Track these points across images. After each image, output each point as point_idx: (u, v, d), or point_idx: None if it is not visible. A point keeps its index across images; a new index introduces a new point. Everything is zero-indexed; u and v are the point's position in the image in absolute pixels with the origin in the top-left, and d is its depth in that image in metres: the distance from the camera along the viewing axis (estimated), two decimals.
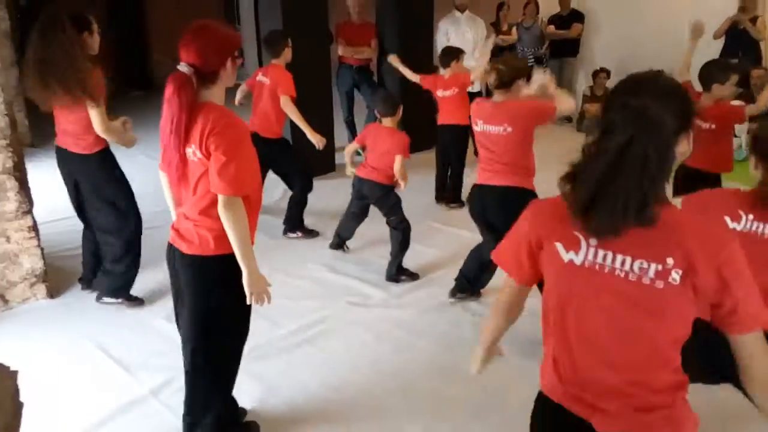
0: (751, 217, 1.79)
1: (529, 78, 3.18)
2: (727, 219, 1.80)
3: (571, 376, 1.37)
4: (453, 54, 5.13)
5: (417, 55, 6.68)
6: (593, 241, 1.28)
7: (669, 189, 1.29)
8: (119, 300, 3.58)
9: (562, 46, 8.16)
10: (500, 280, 3.58)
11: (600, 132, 1.25)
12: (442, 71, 5.25)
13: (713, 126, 3.57)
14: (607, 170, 1.19)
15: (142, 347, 3.21)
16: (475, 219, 3.34)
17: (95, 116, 3.14)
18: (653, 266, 1.23)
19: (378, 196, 3.84)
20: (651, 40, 7.65)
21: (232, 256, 2.09)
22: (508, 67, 3.09)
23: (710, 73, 3.61)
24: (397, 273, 3.90)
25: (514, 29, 8.03)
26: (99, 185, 3.41)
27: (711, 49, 6.89)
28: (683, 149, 1.28)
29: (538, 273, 1.43)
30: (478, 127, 3.18)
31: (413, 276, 3.94)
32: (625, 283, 1.26)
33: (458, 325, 3.39)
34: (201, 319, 2.19)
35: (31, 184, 3.69)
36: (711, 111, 3.55)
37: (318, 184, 5.88)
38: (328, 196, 5.54)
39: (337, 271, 4.06)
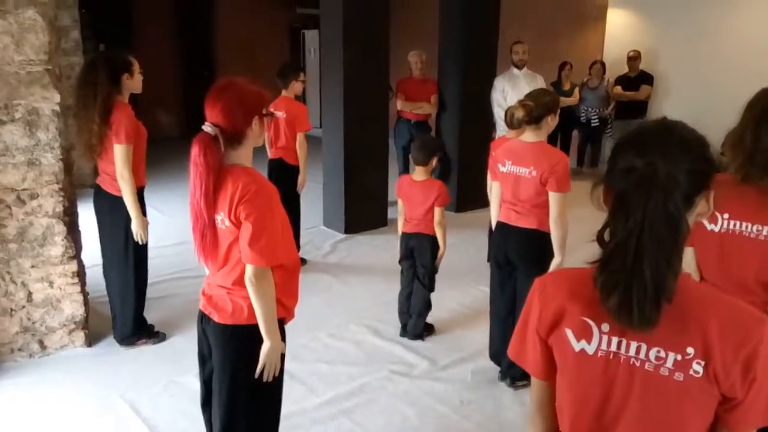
0: (726, 216, 1.79)
1: (557, 111, 3.04)
2: (705, 221, 1.75)
3: None
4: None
5: (477, 111, 6.57)
6: (605, 327, 1.13)
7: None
8: (143, 340, 3.59)
9: (629, 108, 7.88)
10: None
11: (610, 210, 1.10)
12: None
13: None
14: (630, 260, 1.04)
15: (171, 407, 3.07)
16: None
17: (117, 153, 3.24)
18: (671, 356, 1.08)
19: (427, 249, 3.66)
20: (724, 105, 7.29)
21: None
22: (537, 103, 2.96)
23: None
24: (422, 330, 3.79)
25: (576, 89, 7.84)
26: (119, 226, 3.43)
27: None
28: (702, 210, 1.11)
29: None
30: (505, 168, 3.07)
31: (431, 329, 3.87)
32: (643, 373, 1.11)
33: (508, 407, 3.10)
34: (236, 389, 2.06)
35: (85, 227, 3.70)
36: None
37: (368, 238, 5.78)
38: (380, 252, 5.37)
39: (380, 335, 3.85)
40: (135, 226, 3.34)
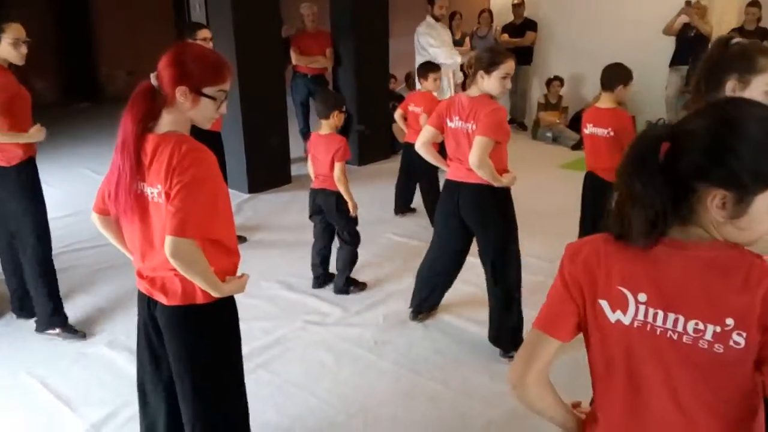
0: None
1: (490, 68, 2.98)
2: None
3: None
4: (432, 67, 5.06)
5: (373, 63, 6.62)
6: (642, 297, 1.12)
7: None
8: (56, 330, 3.35)
9: (516, 54, 8.14)
10: (453, 294, 3.51)
11: None
12: (418, 85, 5.20)
13: (612, 133, 3.45)
14: None
15: (83, 379, 3.00)
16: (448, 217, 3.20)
17: None
18: (710, 327, 1.06)
19: (332, 206, 3.67)
20: (602, 47, 7.74)
21: (222, 303, 1.88)
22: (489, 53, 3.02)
23: (615, 73, 3.55)
24: (346, 284, 3.81)
25: (467, 39, 8.03)
26: (16, 199, 3.19)
27: (662, 50, 7.03)
28: None
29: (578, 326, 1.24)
30: (453, 123, 3.08)
31: (362, 285, 3.86)
32: (681, 346, 1.08)
33: (419, 344, 3.28)
34: (200, 376, 1.92)
35: None
36: (609, 118, 3.48)
37: (273, 196, 5.76)
38: (284, 208, 5.39)
39: (293, 289, 3.90)
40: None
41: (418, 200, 5.13)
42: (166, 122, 1.78)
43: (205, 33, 4.35)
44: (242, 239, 4.64)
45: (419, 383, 2.93)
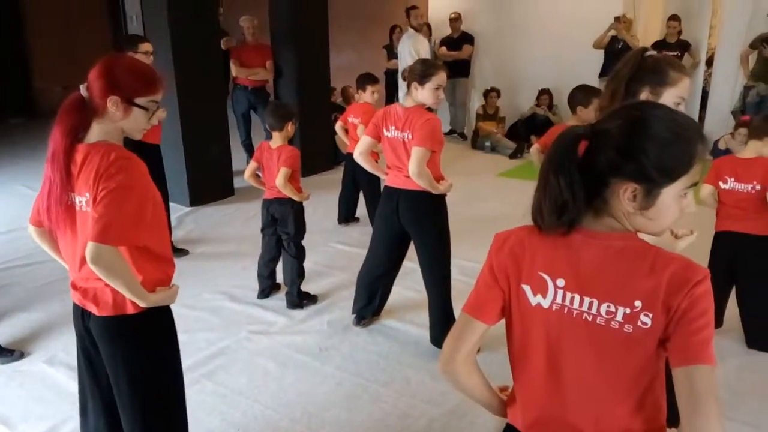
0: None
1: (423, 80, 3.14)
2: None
3: (537, 422, 1.30)
4: (370, 79, 5.16)
5: (314, 75, 6.70)
6: (560, 282, 1.21)
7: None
8: None
9: (454, 67, 8.39)
10: (395, 298, 3.59)
11: None
12: (356, 96, 5.31)
13: None
14: None
15: (20, 396, 2.94)
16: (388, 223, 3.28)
17: None
18: (621, 309, 1.16)
19: (287, 214, 3.69)
20: (536, 60, 8.07)
21: (156, 312, 1.89)
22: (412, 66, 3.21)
23: (574, 96, 3.76)
24: (299, 298, 3.81)
25: None
26: None
27: (592, 63, 7.37)
28: None
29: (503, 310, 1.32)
30: (389, 132, 3.18)
31: (314, 299, 3.88)
32: (595, 327, 1.18)
33: (362, 348, 3.35)
34: (136, 387, 1.90)
35: None
36: None
37: (215, 209, 5.74)
38: (227, 221, 5.39)
39: (237, 300, 3.92)
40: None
41: (362, 210, 5.22)
42: (96, 132, 1.79)
43: (146, 46, 4.29)
44: (184, 252, 4.62)
45: (362, 386, 3.00)
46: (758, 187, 3.17)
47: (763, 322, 3.29)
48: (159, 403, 1.98)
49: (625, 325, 1.15)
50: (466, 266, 4.15)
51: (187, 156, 5.65)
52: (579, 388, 1.23)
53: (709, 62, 8.00)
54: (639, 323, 1.14)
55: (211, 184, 5.90)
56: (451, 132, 8.55)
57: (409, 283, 3.74)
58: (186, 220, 5.45)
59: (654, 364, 1.19)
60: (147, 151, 4.25)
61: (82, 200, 1.78)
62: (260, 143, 3.84)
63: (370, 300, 3.51)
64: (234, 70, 6.57)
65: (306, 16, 6.57)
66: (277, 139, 3.68)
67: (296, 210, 3.72)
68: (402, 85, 6.78)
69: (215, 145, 5.86)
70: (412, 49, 6.90)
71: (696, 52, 7.46)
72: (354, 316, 3.58)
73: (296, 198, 3.68)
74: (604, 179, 1.17)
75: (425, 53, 7.03)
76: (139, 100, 1.80)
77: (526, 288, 1.25)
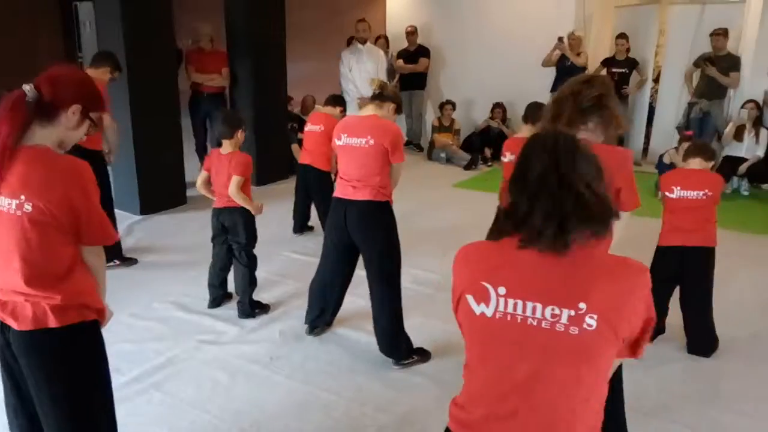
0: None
1: (399, 110, 3.31)
2: None
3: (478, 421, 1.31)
4: (341, 101, 5.29)
5: (271, 84, 6.68)
6: (501, 290, 1.24)
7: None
8: None
9: (411, 80, 8.52)
10: (348, 306, 3.60)
11: None
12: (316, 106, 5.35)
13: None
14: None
15: None
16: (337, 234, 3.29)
17: None
18: (565, 312, 1.18)
19: (237, 223, 3.64)
20: (490, 74, 8.23)
21: (79, 326, 1.83)
22: (391, 89, 3.33)
23: (528, 112, 4.00)
24: (251, 308, 3.76)
25: None
26: None
27: (543, 79, 7.55)
28: None
29: None
30: (341, 141, 3.19)
31: (266, 308, 3.84)
32: (539, 332, 1.20)
33: (314, 357, 3.33)
34: (59, 403, 1.85)
35: None
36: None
37: (167, 217, 5.64)
38: (178, 229, 5.30)
39: (187, 309, 3.84)
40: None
41: (316, 219, 5.21)
42: (39, 135, 1.77)
43: (117, 74, 4.56)
44: (133, 261, 4.53)
45: (313, 394, 2.98)
46: (710, 193, 3.29)
47: (704, 329, 3.41)
48: (84, 417, 1.92)
49: (571, 327, 1.18)
50: (420, 275, 4.18)
51: (138, 163, 5.54)
52: (526, 394, 1.24)
53: (656, 79, 8.29)
54: (585, 325, 1.17)
55: (163, 192, 5.79)
56: (407, 143, 8.62)
57: (363, 291, 3.72)
58: (136, 228, 5.33)
59: (602, 364, 1.23)
60: (91, 157, 4.17)
61: (11, 203, 1.73)
62: (210, 151, 3.81)
63: (323, 309, 3.50)
64: (191, 75, 6.50)
65: (263, 25, 6.55)
66: (227, 146, 3.65)
67: (247, 218, 3.68)
68: (352, 101, 6.75)
69: (168, 152, 5.77)
70: (344, 67, 6.97)
71: (643, 69, 7.73)
72: (306, 325, 3.56)
73: (249, 207, 3.65)
74: None
75: (383, 68, 7.09)
76: (93, 114, 1.87)
77: (470, 298, 1.28)
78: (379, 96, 3.21)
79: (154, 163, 5.62)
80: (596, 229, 1.21)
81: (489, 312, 1.25)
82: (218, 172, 3.66)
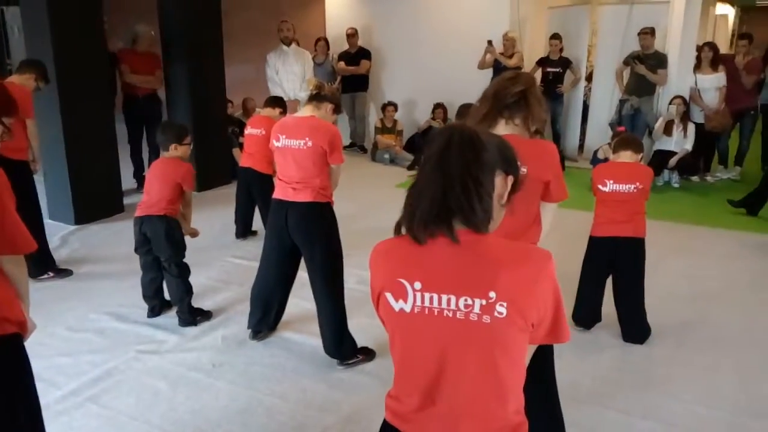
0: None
1: (337, 110, 3.31)
2: None
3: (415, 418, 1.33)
4: (281, 103, 5.27)
5: (208, 88, 6.58)
6: (417, 285, 1.26)
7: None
8: None
9: (353, 82, 8.52)
10: (292, 309, 3.58)
11: None
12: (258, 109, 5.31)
13: None
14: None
15: None
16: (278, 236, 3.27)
17: None
18: (477, 301, 1.22)
19: (159, 233, 3.52)
20: (430, 75, 8.32)
21: (10, 337, 1.77)
22: (329, 89, 3.35)
23: (460, 112, 4.16)
24: (191, 315, 3.69)
25: None
26: None
27: (481, 80, 7.68)
28: None
29: None
30: (279, 143, 3.18)
31: (207, 314, 3.77)
32: (455, 323, 1.23)
33: (258, 362, 3.30)
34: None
35: None
36: None
37: (103, 226, 5.47)
38: (115, 238, 5.16)
39: (125, 319, 3.74)
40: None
41: (259, 223, 5.15)
42: None
43: (42, 83, 4.49)
44: (68, 272, 4.38)
45: (256, 399, 2.95)
46: (640, 186, 3.42)
47: (637, 318, 3.54)
48: None
49: (483, 316, 1.22)
50: (364, 275, 4.16)
51: (71, 172, 5.35)
52: (452, 386, 1.27)
53: (589, 78, 8.56)
54: (496, 314, 1.21)
55: (98, 201, 5.62)
56: (351, 145, 8.63)
57: (307, 293, 3.70)
58: (71, 239, 5.15)
59: (516, 349, 1.26)
60: (15, 168, 4.01)
61: None
62: (151, 165, 3.74)
63: (265, 313, 3.47)
64: (125, 76, 6.31)
65: (199, 29, 6.45)
66: (169, 154, 3.62)
67: (168, 227, 3.55)
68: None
69: (103, 159, 5.60)
70: (270, 69, 6.93)
71: (577, 68, 7.96)
72: (250, 330, 3.52)
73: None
74: None
75: (310, 69, 7.05)
76: (6, 120, 1.87)
77: (388, 295, 1.30)
78: (317, 96, 3.21)
79: (87, 170, 5.45)
80: (476, 225, 1.25)
81: (407, 308, 1.28)
82: (155, 177, 3.58)
